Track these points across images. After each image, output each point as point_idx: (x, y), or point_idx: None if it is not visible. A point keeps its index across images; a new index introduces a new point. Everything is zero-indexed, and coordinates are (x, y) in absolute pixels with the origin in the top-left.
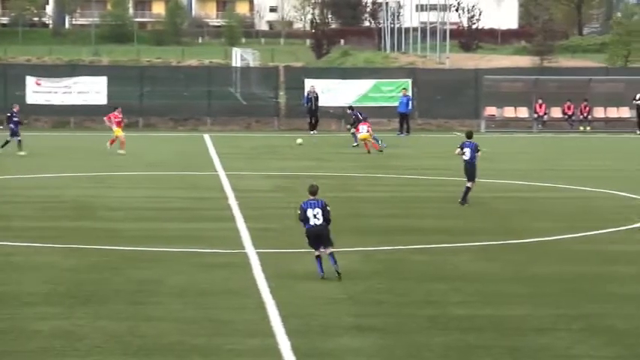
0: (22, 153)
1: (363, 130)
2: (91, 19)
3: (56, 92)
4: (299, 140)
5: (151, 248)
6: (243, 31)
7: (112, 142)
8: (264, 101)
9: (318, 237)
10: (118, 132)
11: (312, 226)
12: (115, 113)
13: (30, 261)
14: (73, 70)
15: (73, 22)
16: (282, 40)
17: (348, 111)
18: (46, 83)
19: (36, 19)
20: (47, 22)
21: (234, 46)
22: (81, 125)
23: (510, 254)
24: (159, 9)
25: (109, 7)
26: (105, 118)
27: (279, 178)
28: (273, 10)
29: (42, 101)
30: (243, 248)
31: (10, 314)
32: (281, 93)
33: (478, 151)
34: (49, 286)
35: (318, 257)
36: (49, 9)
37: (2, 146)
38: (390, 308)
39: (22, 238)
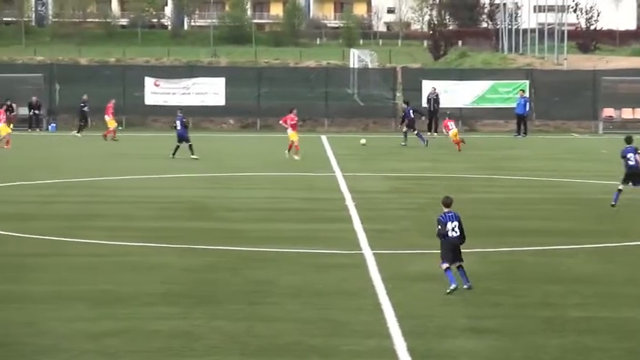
0: (195, 157)
1: (452, 127)
2: (209, 21)
3: (174, 93)
4: (363, 141)
5: (268, 249)
6: (360, 33)
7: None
8: (382, 102)
9: (456, 250)
10: (292, 136)
11: (452, 238)
12: (292, 115)
13: (148, 261)
14: (191, 71)
15: (192, 24)
16: (399, 42)
17: (404, 105)
18: (165, 84)
19: (155, 20)
20: (166, 23)
21: (352, 47)
22: (199, 126)
23: (626, 256)
24: (277, 10)
25: (227, 8)
26: (281, 122)
27: (396, 180)
28: (390, 11)
29: (160, 102)
30: (360, 249)
31: (128, 314)
32: (398, 94)
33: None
34: (167, 286)
35: (448, 269)
36: (168, 10)
37: (173, 154)
38: (507, 310)
39: (139, 239)
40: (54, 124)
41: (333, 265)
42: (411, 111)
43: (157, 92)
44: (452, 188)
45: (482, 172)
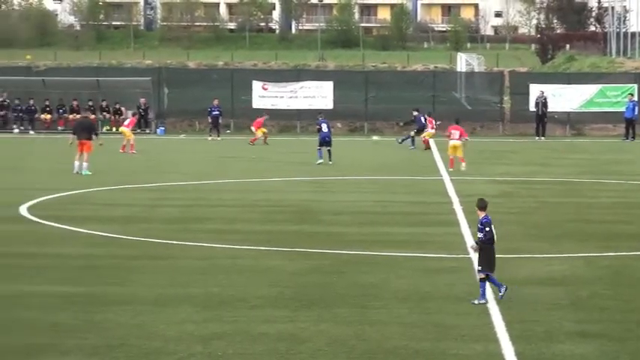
0: (331, 162)
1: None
2: (316, 24)
3: (282, 97)
4: (375, 137)
5: (375, 252)
6: (467, 36)
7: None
8: (489, 106)
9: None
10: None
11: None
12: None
13: (255, 264)
14: (298, 74)
15: (299, 27)
16: (506, 45)
17: (414, 113)
18: (273, 88)
19: (263, 24)
20: (274, 27)
21: (459, 51)
22: (306, 130)
23: None
24: (384, 14)
25: (334, 12)
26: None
27: (504, 184)
28: (498, 15)
29: (268, 106)
30: (467, 253)
31: (236, 317)
32: (505, 98)
33: None
34: (275, 289)
35: (484, 281)
36: (276, 14)
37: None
38: (614, 314)
39: (247, 242)
40: (162, 128)
41: (440, 269)
42: (422, 117)
43: (264, 96)
44: (559, 192)
45: (591, 176)
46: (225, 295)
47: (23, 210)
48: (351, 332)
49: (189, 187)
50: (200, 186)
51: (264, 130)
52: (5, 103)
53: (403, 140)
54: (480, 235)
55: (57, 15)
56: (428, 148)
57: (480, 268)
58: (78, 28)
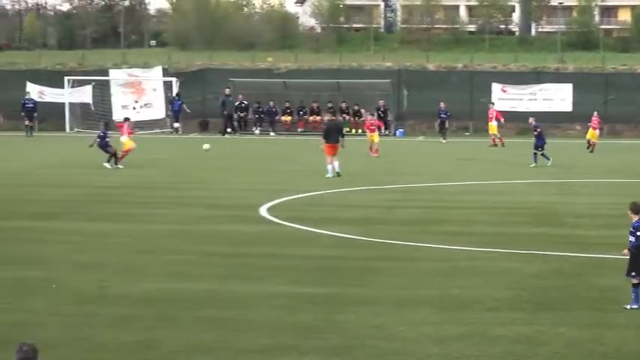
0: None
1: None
2: (556, 27)
3: (521, 99)
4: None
5: (614, 255)
6: None
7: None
8: None
9: None
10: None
11: None
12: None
13: (494, 266)
14: (537, 77)
15: (539, 29)
16: None
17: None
18: (512, 90)
19: (502, 26)
20: (513, 29)
21: None
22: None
23: None
24: (625, 15)
25: (574, 14)
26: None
27: None
28: None
29: (507, 108)
30: None
31: (473, 319)
32: None
33: None
34: (513, 291)
35: (637, 286)
36: (515, 16)
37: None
38: None
39: (485, 244)
40: (401, 130)
41: None
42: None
43: (504, 98)
44: None
45: None
46: (464, 297)
47: (263, 211)
48: (589, 335)
49: (427, 188)
50: (438, 188)
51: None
52: (243, 104)
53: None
54: (631, 238)
55: (298, 18)
56: None
57: (633, 273)
58: (318, 30)
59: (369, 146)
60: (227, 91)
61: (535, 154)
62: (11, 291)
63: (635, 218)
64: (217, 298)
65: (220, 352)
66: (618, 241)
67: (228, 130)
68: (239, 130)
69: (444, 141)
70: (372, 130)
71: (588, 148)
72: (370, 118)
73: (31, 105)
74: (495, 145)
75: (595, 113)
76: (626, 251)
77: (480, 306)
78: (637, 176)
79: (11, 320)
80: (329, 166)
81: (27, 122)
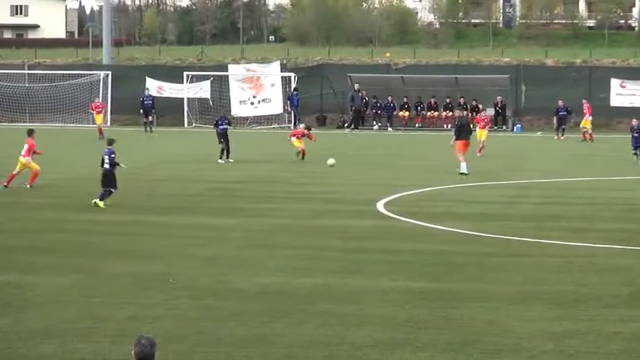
0: None
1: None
2: None
3: None
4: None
5: None
6: None
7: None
8: None
9: None
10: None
11: None
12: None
13: (611, 262)
14: None
15: None
16: None
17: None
18: (631, 86)
19: (622, 21)
20: (633, 24)
21: None
22: None
23: None
24: None
25: None
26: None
27: None
28: None
29: (626, 104)
30: None
31: (590, 315)
32: None
33: None
34: (630, 288)
35: None
36: (635, 11)
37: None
38: None
39: (602, 240)
40: (519, 125)
41: None
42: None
43: (622, 94)
44: None
45: None
46: (580, 293)
47: (380, 206)
48: None
49: (544, 184)
50: (555, 183)
51: None
52: (365, 99)
53: None
54: None
55: (417, 13)
56: None
57: None
58: (437, 26)
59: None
60: (356, 86)
61: (635, 154)
62: (130, 285)
63: None
64: (332, 292)
65: (335, 347)
66: None
67: (358, 126)
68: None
69: (559, 137)
70: (482, 127)
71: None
72: (483, 114)
73: (150, 102)
74: (585, 140)
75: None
76: None
77: (597, 302)
78: None
79: (129, 314)
80: (462, 164)
81: (145, 119)
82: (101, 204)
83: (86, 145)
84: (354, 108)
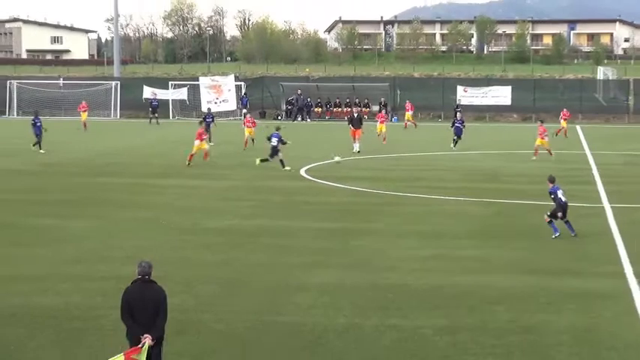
0: None
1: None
2: (501, 47)
3: (477, 96)
4: (337, 158)
5: (540, 202)
6: (605, 55)
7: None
8: (618, 103)
9: (565, 210)
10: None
11: (565, 202)
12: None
13: (458, 209)
14: (488, 81)
15: (489, 49)
16: (632, 61)
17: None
18: (471, 90)
19: (464, 47)
20: (472, 49)
21: (599, 65)
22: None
23: None
24: (547, 40)
25: (513, 39)
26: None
27: (630, 157)
28: (626, 40)
29: (467, 102)
30: (601, 203)
31: (444, 245)
32: (630, 98)
33: None
34: (470, 227)
35: (552, 222)
36: (474, 40)
37: None
38: None
39: (452, 194)
40: (396, 117)
41: (582, 214)
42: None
43: (465, 96)
44: None
45: None
46: (438, 230)
47: (302, 172)
48: (523, 256)
49: (412, 157)
50: (420, 156)
51: None
52: (293, 100)
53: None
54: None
55: (327, 41)
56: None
57: (548, 213)
58: (340, 50)
59: (378, 135)
60: (299, 91)
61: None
62: (133, 226)
63: (550, 186)
64: (272, 230)
65: (274, 267)
66: (541, 193)
67: (299, 119)
68: (287, 117)
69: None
70: (382, 122)
71: (557, 135)
72: (384, 112)
73: (156, 103)
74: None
75: (564, 109)
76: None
77: (449, 236)
78: (555, 149)
79: (133, 245)
80: (355, 144)
81: (152, 115)
82: (257, 161)
83: (95, 132)
84: (297, 106)
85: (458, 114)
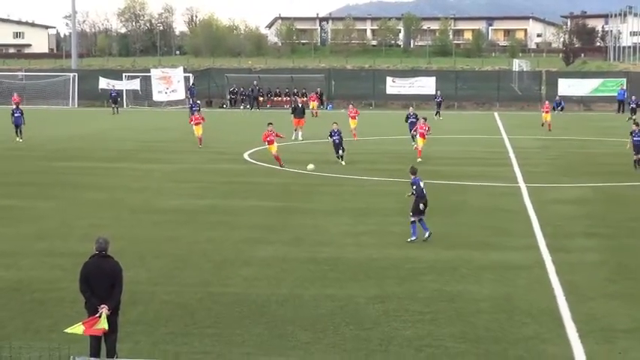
0: None
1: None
2: (426, 42)
3: (404, 86)
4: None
5: (459, 182)
6: (520, 49)
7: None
8: (532, 92)
9: (426, 202)
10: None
11: (425, 194)
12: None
13: (387, 189)
14: (414, 73)
15: (416, 43)
16: (544, 54)
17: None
18: (399, 81)
19: (393, 42)
20: (400, 43)
21: (514, 58)
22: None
23: None
24: (468, 35)
25: (437, 34)
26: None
27: (543, 140)
28: (539, 35)
29: (395, 92)
30: (517, 183)
31: (375, 221)
32: (543, 87)
33: None
34: (397, 204)
35: (414, 223)
36: (401, 35)
37: None
38: (610, 222)
39: (382, 175)
40: (331, 105)
41: (500, 193)
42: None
43: (393, 86)
44: (573, 146)
45: (595, 136)
46: (369, 208)
47: (246, 155)
48: (447, 231)
49: (348, 141)
50: (355, 141)
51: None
52: (235, 90)
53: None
54: (413, 189)
55: (267, 36)
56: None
57: (411, 214)
58: (280, 44)
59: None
60: (255, 82)
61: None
62: (90, 206)
63: (412, 177)
64: (219, 209)
65: (221, 243)
66: (461, 174)
67: (248, 107)
68: (232, 106)
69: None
70: (353, 118)
71: (543, 125)
72: (351, 107)
73: (115, 93)
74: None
75: (547, 102)
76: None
77: (380, 213)
78: (472, 133)
79: (90, 223)
80: (298, 132)
81: (113, 105)
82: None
83: (54, 119)
84: (253, 96)
85: (411, 108)
